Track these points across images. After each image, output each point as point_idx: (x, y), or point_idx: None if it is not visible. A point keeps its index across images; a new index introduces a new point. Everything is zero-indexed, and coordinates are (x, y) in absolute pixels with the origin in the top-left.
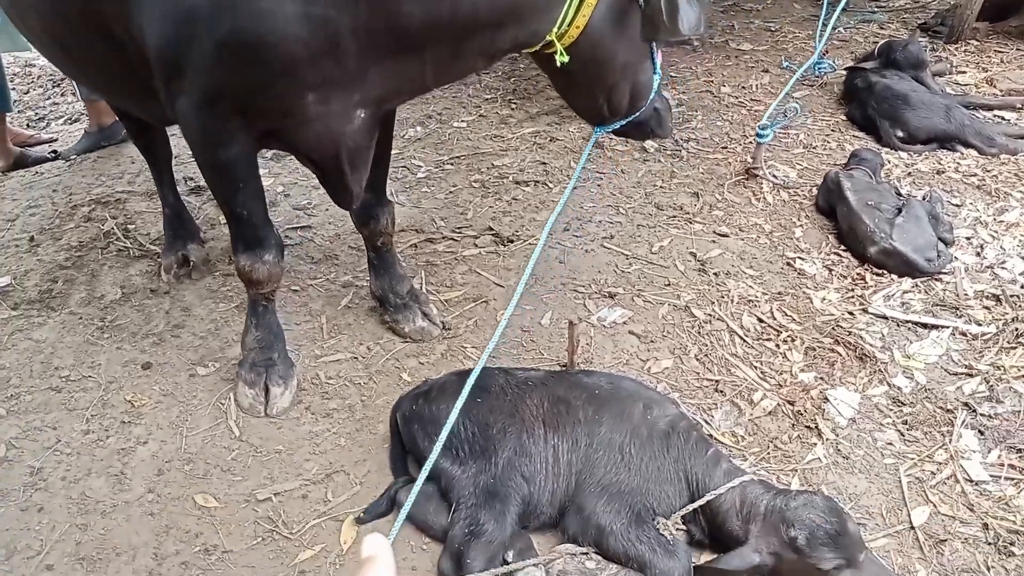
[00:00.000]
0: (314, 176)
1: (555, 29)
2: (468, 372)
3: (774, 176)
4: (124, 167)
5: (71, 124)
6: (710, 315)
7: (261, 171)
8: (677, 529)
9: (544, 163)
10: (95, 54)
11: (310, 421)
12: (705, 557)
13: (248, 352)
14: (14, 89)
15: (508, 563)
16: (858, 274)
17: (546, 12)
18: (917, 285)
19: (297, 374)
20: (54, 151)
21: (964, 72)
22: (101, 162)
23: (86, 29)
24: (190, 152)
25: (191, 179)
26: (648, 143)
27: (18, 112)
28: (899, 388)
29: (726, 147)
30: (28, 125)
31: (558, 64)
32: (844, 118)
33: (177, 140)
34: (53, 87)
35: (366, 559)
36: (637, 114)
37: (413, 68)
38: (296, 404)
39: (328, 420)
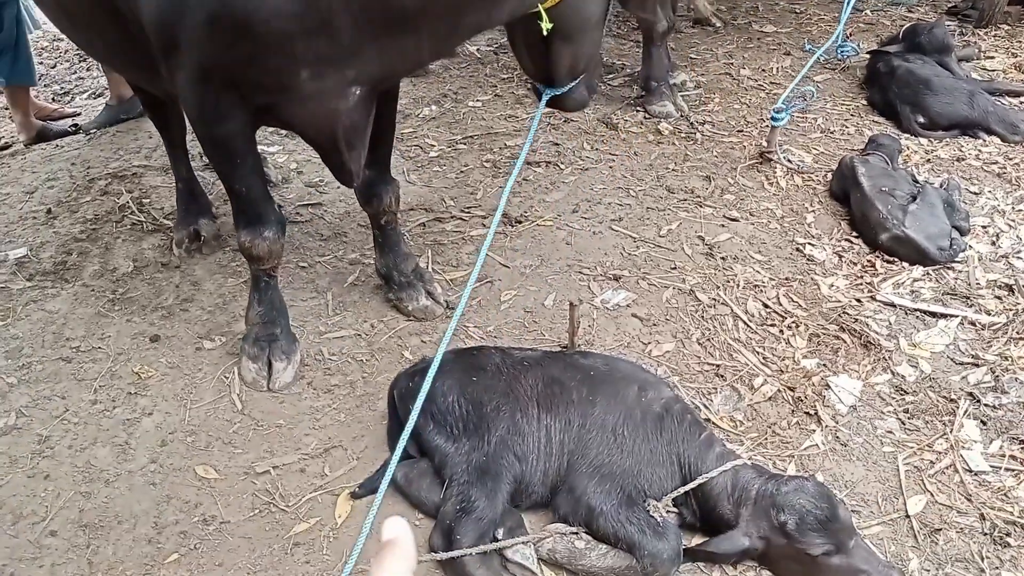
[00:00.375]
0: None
1: None
2: (465, 351)
3: (788, 160)
4: (142, 141)
5: (95, 98)
6: (715, 299)
7: (275, 148)
8: (668, 511)
9: (557, 144)
10: (102, 28)
11: (311, 396)
12: (696, 540)
13: (252, 327)
14: (41, 63)
15: (498, 540)
16: (868, 261)
17: None
18: (928, 273)
19: (300, 350)
20: (75, 124)
21: (993, 57)
22: (120, 136)
23: (91, 3)
24: None
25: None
26: (663, 124)
27: (44, 86)
28: (903, 376)
29: (742, 130)
30: (53, 99)
31: (544, 31)
32: (865, 103)
33: None
34: (80, 61)
35: (387, 542)
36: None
37: (409, 44)
38: (299, 379)
39: (329, 396)
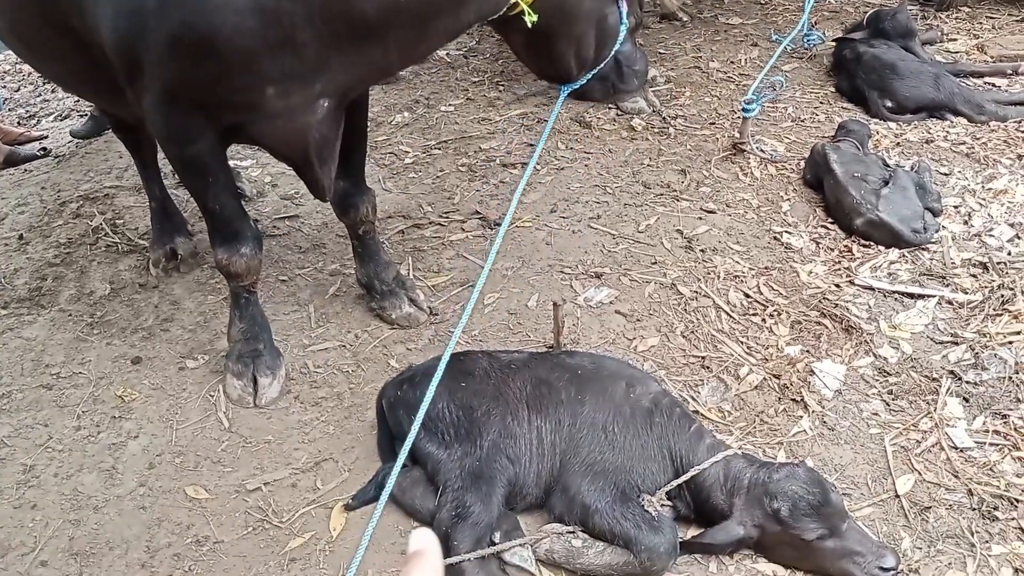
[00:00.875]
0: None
1: None
2: (453, 356)
3: (761, 151)
4: (112, 162)
5: (61, 120)
6: (696, 292)
7: (249, 163)
8: (662, 505)
9: (532, 145)
10: (63, 55)
11: (299, 410)
12: (691, 532)
13: (234, 344)
14: (4, 87)
15: (496, 544)
16: (845, 246)
17: None
18: (904, 256)
19: (285, 364)
20: (43, 148)
21: (955, 40)
22: (89, 158)
23: (50, 29)
24: None
25: None
26: (635, 121)
27: (9, 110)
28: (885, 359)
29: (714, 123)
30: (19, 123)
31: (528, 25)
32: (833, 90)
33: None
34: (45, 83)
35: (413, 554)
36: (601, 65)
37: (376, 54)
38: (285, 394)
39: (317, 409)
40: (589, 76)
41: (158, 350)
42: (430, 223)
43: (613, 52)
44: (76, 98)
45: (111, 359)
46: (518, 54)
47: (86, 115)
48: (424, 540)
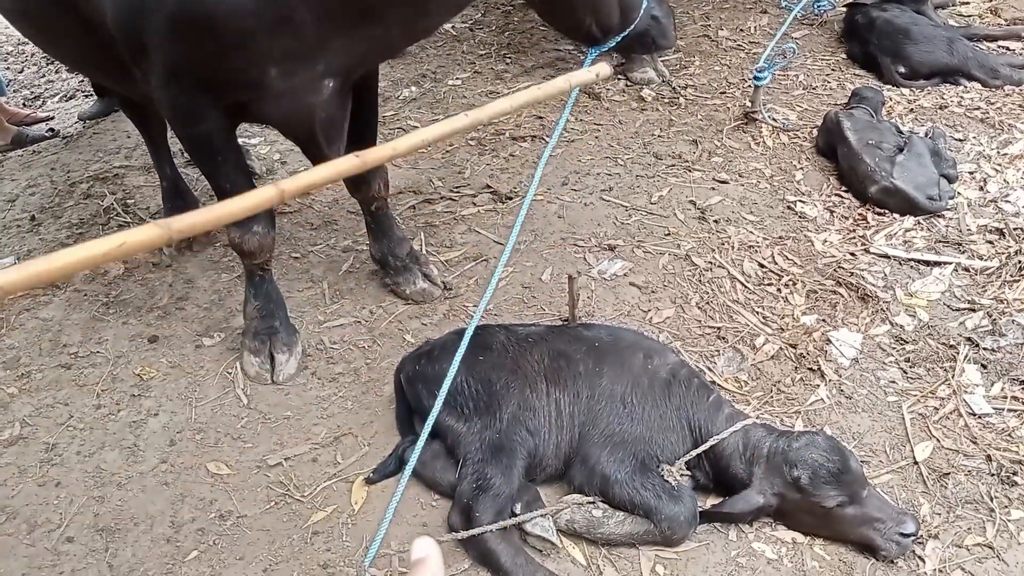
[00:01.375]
0: None
1: None
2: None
3: (773, 119)
4: (120, 142)
5: (67, 101)
6: (711, 263)
7: (257, 140)
8: (682, 475)
9: (541, 118)
10: (71, 35)
11: (316, 386)
12: (711, 501)
13: (250, 322)
14: (8, 69)
15: (516, 515)
16: (859, 215)
17: None
18: (919, 223)
19: (301, 340)
20: (51, 129)
21: (968, 3)
22: (98, 138)
23: (57, 9)
24: None
25: None
26: (645, 91)
27: (13, 92)
28: (901, 326)
29: (724, 92)
30: (24, 104)
31: None
32: (845, 56)
33: None
34: (48, 64)
35: (416, 562)
36: (632, 27)
37: (377, 32)
38: (302, 370)
39: (334, 384)
40: (617, 40)
41: (174, 328)
42: (441, 198)
43: (642, 14)
44: (81, 78)
45: (128, 338)
46: (538, 12)
47: (92, 95)
48: (426, 548)
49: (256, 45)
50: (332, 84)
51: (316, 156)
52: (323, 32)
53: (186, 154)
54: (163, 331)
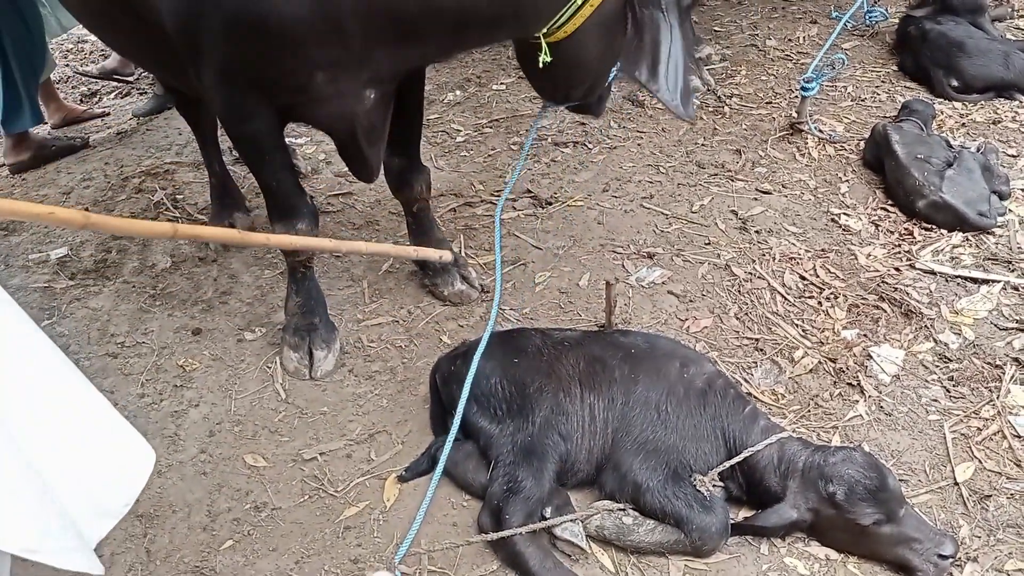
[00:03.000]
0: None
1: (545, 29)
2: (505, 333)
3: (820, 130)
4: (172, 138)
5: (122, 98)
6: (751, 273)
7: (303, 140)
8: (714, 486)
9: (583, 124)
10: (131, 31)
11: (353, 383)
12: (743, 514)
13: (291, 318)
14: (67, 66)
15: (546, 519)
16: (906, 229)
17: (545, 13)
18: (967, 239)
19: (340, 338)
20: (82, 139)
21: None
22: (150, 134)
23: (117, 7)
24: None
25: None
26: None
27: (71, 88)
28: (946, 344)
29: (770, 102)
30: (80, 100)
31: (540, 64)
32: (896, 68)
33: None
34: (104, 60)
35: None
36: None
37: (415, 50)
38: (339, 367)
39: (370, 382)
40: (565, 106)
41: (217, 322)
42: (481, 201)
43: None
44: (136, 76)
45: (173, 330)
46: (519, 59)
47: (146, 93)
48: None
49: (305, 52)
50: (374, 93)
51: (357, 157)
52: (368, 43)
53: (235, 152)
54: (206, 324)
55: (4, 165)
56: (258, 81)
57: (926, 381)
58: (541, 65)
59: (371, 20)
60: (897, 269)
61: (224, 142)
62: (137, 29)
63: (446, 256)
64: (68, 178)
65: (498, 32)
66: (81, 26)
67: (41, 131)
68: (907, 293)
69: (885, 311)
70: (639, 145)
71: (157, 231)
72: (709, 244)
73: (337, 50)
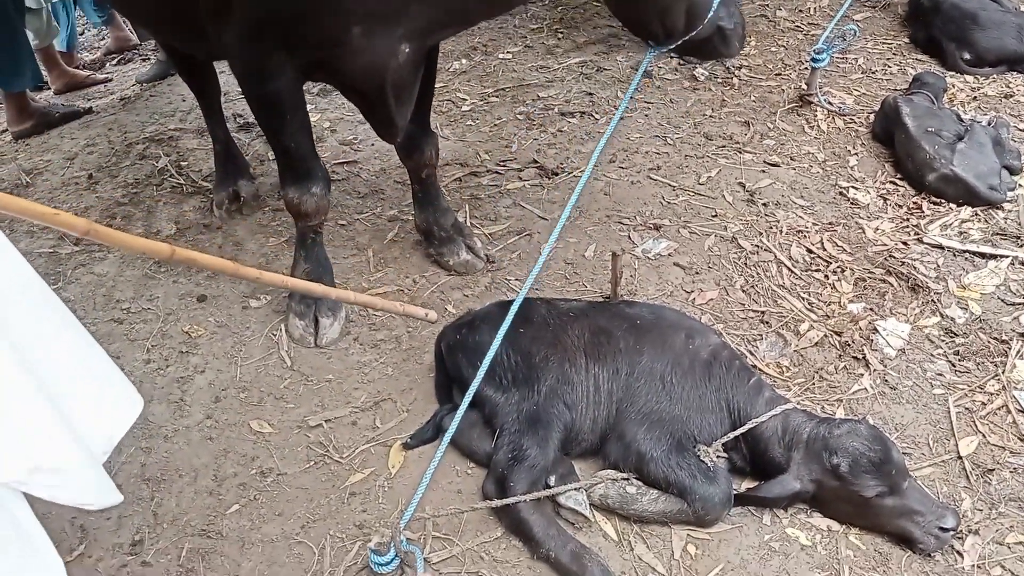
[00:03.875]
0: (360, 112)
1: None
2: (510, 303)
3: (829, 103)
4: (176, 105)
5: (125, 64)
6: (757, 246)
7: (308, 107)
8: (718, 457)
9: (591, 94)
10: None
11: (358, 351)
12: (746, 485)
13: None
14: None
15: (550, 487)
16: (914, 203)
17: None
18: (976, 214)
19: (345, 306)
20: (86, 108)
21: None
22: (153, 100)
23: None
24: (238, 89)
25: (240, 116)
26: (699, 70)
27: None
28: (952, 319)
29: (780, 73)
30: (82, 66)
31: None
32: (907, 40)
33: (225, 77)
34: (108, 28)
35: None
36: (694, 33)
37: (455, 3)
38: (345, 335)
39: (375, 350)
40: (676, 44)
41: (222, 289)
42: (487, 171)
43: (710, 20)
44: (141, 42)
45: (178, 296)
46: (608, 6)
47: (149, 59)
48: None
49: (344, 3)
50: (408, 49)
51: (383, 116)
52: None
53: (238, 119)
54: (211, 291)
55: (7, 131)
56: (289, 36)
57: (932, 355)
58: None
59: None
60: (905, 243)
61: (228, 109)
62: None
63: (431, 316)
64: (71, 143)
65: None
66: None
67: (44, 97)
68: (914, 267)
69: (892, 285)
70: (646, 116)
71: (155, 250)
72: (716, 216)
73: (375, 2)
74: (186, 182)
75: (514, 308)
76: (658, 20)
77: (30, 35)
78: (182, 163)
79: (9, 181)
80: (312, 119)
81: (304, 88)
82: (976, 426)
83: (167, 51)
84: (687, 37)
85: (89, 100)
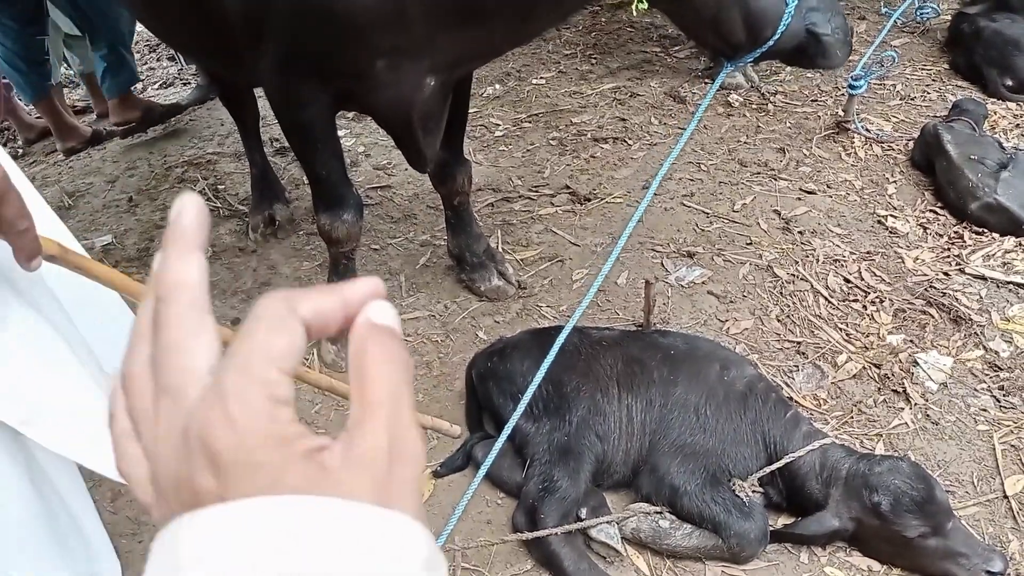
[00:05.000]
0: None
1: None
2: (542, 331)
3: (867, 130)
4: (214, 129)
5: (165, 88)
6: (793, 275)
7: (343, 132)
8: (753, 491)
9: (624, 119)
10: (184, 19)
11: None
12: (782, 521)
13: None
14: None
15: (582, 519)
16: (956, 233)
17: None
18: (1021, 244)
19: None
20: (108, 130)
21: None
22: (192, 124)
23: None
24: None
25: (276, 140)
26: (733, 96)
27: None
28: (996, 352)
29: (816, 100)
30: None
31: (635, 11)
32: (947, 67)
33: (263, 102)
34: (149, 52)
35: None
36: (771, 44)
37: (481, 34)
38: None
39: None
40: (751, 57)
41: None
42: (520, 197)
43: (782, 31)
44: (179, 69)
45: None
46: (684, 30)
47: (189, 83)
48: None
49: (369, 38)
50: (434, 82)
51: (411, 147)
52: (430, 29)
53: (275, 143)
54: (245, 314)
55: (53, 153)
56: (318, 68)
57: (975, 390)
58: (636, 13)
59: (433, 4)
60: (946, 273)
61: (265, 133)
62: (193, 18)
63: (455, 431)
64: (113, 167)
65: (569, 1)
66: None
67: (87, 120)
68: (956, 299)
69: (933, 317)
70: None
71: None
72: (751, 244)
73: (399, 36)
74: (223, 205)
75: (561, 338)
76: (711, 31)
77: (75, 60)
78: (219, 186)
79: (52, 203)
80: (347, 144)
81: (339, 114)
82: (1023, 464)
83: (208, 77)
84: (763, 49)
85: (182, 100)
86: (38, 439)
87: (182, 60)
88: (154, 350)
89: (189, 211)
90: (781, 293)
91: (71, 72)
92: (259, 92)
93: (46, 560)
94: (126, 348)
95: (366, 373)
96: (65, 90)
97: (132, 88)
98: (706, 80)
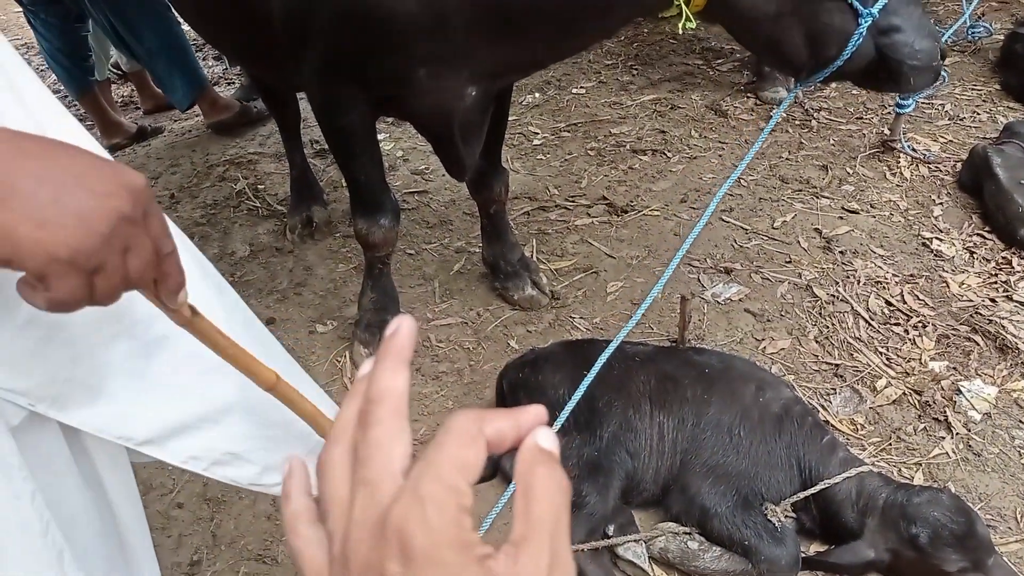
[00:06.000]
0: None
1: None
2: (575, 343)
3: (913, 149)
4: (256, 129)
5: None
6: (833, 296)
7: (382, 136)
8: (786, 516)
9: (663, 132)
10: (230, 22)
11: (419, 383)
12: (815, 548)
13: (364, 313)
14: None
15: (609, 537)
16: (1004, 258)
17: None
18: None
19: None
20: (153, 127)
21: None
22: None
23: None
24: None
25: (316, 142)
26: (775, 111)
27: None
28: None
29: (861, 117)
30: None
31: (681, 30)
32: (998, 87)
33: (304, 103)
34: (195, 52)
35: (387, 336)
36: (839, 63)
37: (522, 47)
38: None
39: (436, 383)
40: (821, 76)
41: (290, 312)
42: (556, 206)
43: (852, 51)
44: (224, 68)
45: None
46: (752, 50)
47: (233, 82)
48: (399, 322)
49: (410, 46)
50: (475, 92)
51: (450, 155)
52: (472, 39)
53: (315, 144)
54: (280, 314)
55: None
56: (359, 74)
57: (1020, 422)
58: (682, 31)
59: (475, 13)
60: (992, 300)
61: (305, 135)
62: (239, 22)
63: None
64: (157, 163)
65: (613, 16)
66: None
67: (132, 117)
68: (1003, 326)
69: (978, 344)
70: (720, 156)
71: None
72: (790, 262)
73: (440, 45)
74: (262, 205)
75: (607, 352)
76: (767, 49)
77: (122, 58)
78: (259, 186)
79: None
80: (385, 148)
81: (379, 119)
82: None
83: (252, 79)
84: (829, 70)
85: (175, 120)
86: (160, 456)
87: (227, 60)
88: (360, 445)
89: (405, 330)
90: (820, 314)
91: (116, 72)
92: (301, 94)
93: (100, 572)
94: (328, 439)
95: (533, 493)
96: (113, 87)
97: (202, 90)
98: (748, 94)
